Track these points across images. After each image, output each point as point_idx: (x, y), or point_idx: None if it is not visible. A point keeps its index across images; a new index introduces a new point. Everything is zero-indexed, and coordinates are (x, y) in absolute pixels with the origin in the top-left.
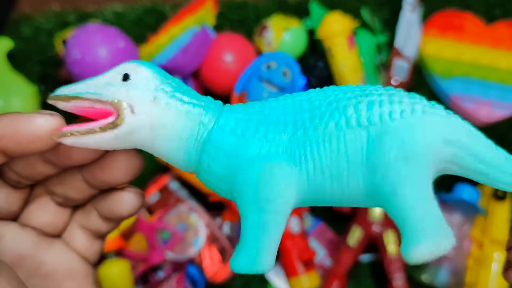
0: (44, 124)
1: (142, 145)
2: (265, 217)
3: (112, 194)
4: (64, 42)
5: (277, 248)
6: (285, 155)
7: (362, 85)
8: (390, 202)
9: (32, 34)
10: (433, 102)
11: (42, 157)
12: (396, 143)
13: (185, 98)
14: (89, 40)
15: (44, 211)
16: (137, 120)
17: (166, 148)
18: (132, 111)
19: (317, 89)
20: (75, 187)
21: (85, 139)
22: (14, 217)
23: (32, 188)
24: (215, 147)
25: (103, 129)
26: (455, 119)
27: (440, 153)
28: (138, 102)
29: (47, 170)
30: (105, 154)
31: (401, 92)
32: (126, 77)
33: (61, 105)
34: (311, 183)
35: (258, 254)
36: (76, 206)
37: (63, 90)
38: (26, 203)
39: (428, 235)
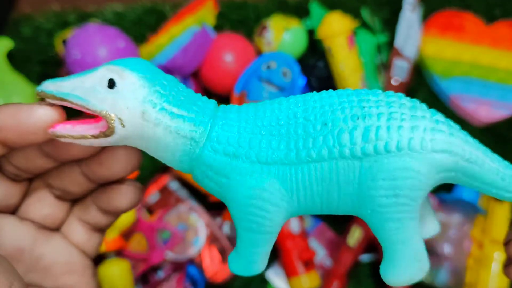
0: (45, 115)
1: (140, 148)
2: (255, 236)
3: (111, 187)
4: (64, 42)
5: (269, 254)
6: (277, 179)
7: (361, 93)
8: (376, 231)
9: (32, 34)
10: (436, 117)
11: (41, 150)
12: (388, 180)
13: (175, 110)
14: (89, 40)
15: (43, 204)
16: (127, 132)
17: (161, 155)
18: (122, 124)
19: (315, 95)
20: (74, 181)
21: (78, 141)
22: (12, 211)
23: (31, 181)
24: (207, 166)
25: (95, 136)
26: (456, 142)
27: (434, 181)
28: (127, 116)
29: (46, 164)
30: (103, 149)
31: (403, 109)
32: (112, 84)
33: (49, 101)
34: (301, 207)
35: (250, 263)
36: (75, 200)
37: (48, 86)
38: (25, 196)
39: (406, 268)
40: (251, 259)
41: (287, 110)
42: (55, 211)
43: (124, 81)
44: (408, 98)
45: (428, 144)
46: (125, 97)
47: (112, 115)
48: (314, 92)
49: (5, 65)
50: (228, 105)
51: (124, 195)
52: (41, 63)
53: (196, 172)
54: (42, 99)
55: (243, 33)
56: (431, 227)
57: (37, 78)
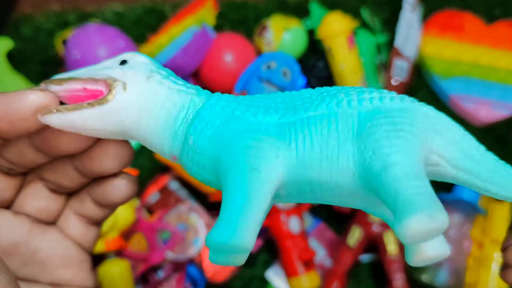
0: (36, 99)
1: (126, 128)
2: (250, 186)
3: (105, 180)
4: (64, 42)
5: (259, 227)
6: (275, 129)
7: (354, 87)
8: (381, 178)
9: (32, 34)
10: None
11: (32, 144)
12: (387, 118)
13: (179, 81)
14: (89, 40)
15: (37, 197)
16: (127, 98)
17: (152, 128)
18: (125, 88)
19: (310, 89)
20: (67, 175)
21: (71, 115)
22: (7, 205)
23: (25, 175)
24: (203, 120)
25: (91, 104)
26: (445, 118)
27: (429, 142)
28: (132, 80)
29: (38, 158)
30: (94, 144)
31: (391, 93)
32: (123, 62)
33: (53, 88)
34: (300, 160)
35: (237, 225)
36: (70, 193)
37: (58, 76)
38: (19, 190)
39: (422, 206)
40: (239, 216)
41: (283, 95)
42: (50, 204)
43: (135, 60)
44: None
45: (419, 106)
46: (134, 68)
47: (117, 79)
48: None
49: (5, 65)
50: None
51: (118, 188)
52: (41, 63)
53: (188, 136)
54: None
55: (243, 33)
56: (440, 247)
57: (37, 78)
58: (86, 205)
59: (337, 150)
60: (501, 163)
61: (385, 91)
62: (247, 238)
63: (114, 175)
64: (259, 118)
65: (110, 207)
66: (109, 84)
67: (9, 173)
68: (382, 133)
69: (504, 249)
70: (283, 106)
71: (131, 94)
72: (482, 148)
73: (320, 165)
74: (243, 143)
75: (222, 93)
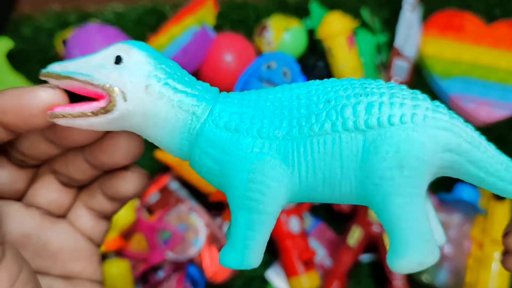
0: (47, 97)
1: (135, 130)
2: (254, 216)
3: (116, 174)
4: (64, 42)
5: (265, 245)
6: (278, 155)
7: (364, 80)
8: (380, 210)
9: (33, 34)
10: (436, 103)
11: (44, 136)
12: (392, 152)
13: (179, 86)
14: (89, 40)
15: (49, 190)
16: (129, 107)
17: (159, 135)
18: (124, 98)
19: (317, 81)
20: (78, 168)
21: (77, 121)
22: (19, 197)
23: (37, 168)
24: (207, 140)
25: (95, 113)
26: (457, 124)
27: (438, 160)
28: (131, 89)
29: (50, 150)
30: (105, 136)
31: (404, 91)
32: (118, 60)
33: (53, 82)
34: (302, 185)
35: (245, 253)
36: (81, 187)
37: (55, 67)
38: (31, 183)
39: (415, 249)
40: (246, 246)
41: (289, 92)
42: (61, 197)
43: (131, 57)
44: (407, 87)
45: (431, 120)
46: (130, 71)
47: (116, 88)
48: (317, 80)
49: (5, 65)
50: (230, 93)
51: (129, 181)
52: (41, 63)
53: (196, 152)
54: (45, 82)
55: (243, 33)
56: (437, 236)
57: (37, 78)
58: (97, 198)
59: (340, 178)
60: (507, 158)
61: (395, 92)
62: (254, 263)
63: (125, 168)
64: (263, 136)
65: (121, 201)
66: (108, 91)
67: (21, 165)
68: (385, 167)
69: (505, 235)
70: (288, 114)
71: (132, 104)
72: (491, 153)
73: (322, 189)
74: (247, 170)
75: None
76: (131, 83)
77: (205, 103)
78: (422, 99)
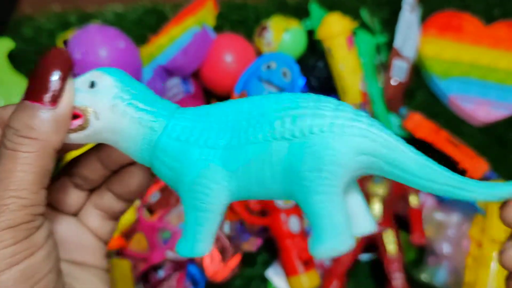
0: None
1: (110, 143)
2: (200, 214)
3: (122, 171)
4: (65, 42)
5: (213, 236)
6: (220, 162)
7: (297, 95)
8: (303, 205)
9: (33, 34)
10: (358, 112)
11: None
12: (311, 156)
13: (140, 105)
14: (90, 41)
15: (64, 192)
16: (100, 125)
17: (127, 148)
18: (97, 117)
19: (259, 96)
20: (91, 167)
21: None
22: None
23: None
24: (163, 151)
25: (74, 130)
26: (374, 130)
27: (355, 163)
28: (101, 109)
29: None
30: None
31: (329, 103)
32: (92, 84)
33: None
34: (240, 186)
35: (194, 243)
36: (91, 190)
37: None
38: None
39: (330, 238)
40: (196, 238)
41: (235, 107)
42: (73, 199)
43: (102, 82)
44: (336, 100)
45: (347, 128)
46: (101, 94)
47: (90, 109)
48: (259, 96)
49: (6, 65)
50: (185, 109)
51: (134, 174)
52: None
53: (154, 161)
54: None
55: (243, 33)
56: (365, 225)
57: None
58: (105, 198)
59: (270, 180)
60: (424, 157)
61: (320, 105)
62: (203, 252)
63: (130, 164)
64: (209, 145)
65: (128, 198)
66: (83, 111)
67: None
68: (305, 170)
69: (502, 253)
70: (231, 126)
71: (103, 122)
72: (408, 154)
73: (257, 189)
74: (194, 174)
75: (219, 94)
76: (101, 103)
77: (161, 119)
78: (343, 110)
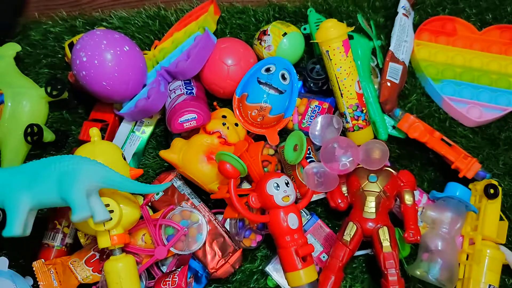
0: None
1: None
2: (9, 217)
3: None
4: (71, 46)
5: (22, 227)
6: (24, 186)
7: (67, 157)
8: (69, 204)
9: (40, 38)
10: (96, 162)
11: None
12: (66, 177)
13: None
14: (95, 45)
15: None
16: None
17: None
18: None
19: (49, 159)
20: None
21: None
22: None
23: None
24: None
25: None
26: (98, 168)
27: (89, 186)
28: None
29: None
30: None
31: (74, 159)
32: None
33: None
34: (37, 199)
35: (8, 228)
36: None
37: None
38: None
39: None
40: (9, 223)
41: (40, 164)
42: None
43: None
44: (67, 162)
45: (86, 168)
46: None
47: None
48: (47, 159)
49: (14, 68)
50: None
51: None
52: (48, 66)
53: None
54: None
55: (244, 38)
56: (100, 214)
57: (45, 81)
58: None
59: (51, 192)
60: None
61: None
62: (14, 233)
63: None
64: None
65: None
66: None
67: None
68: (63, 185)
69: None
70: (30, 175)
71: None
72: (118, 176)
73: (45, 201)
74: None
75: (223, 95)
76: None
77: None
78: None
